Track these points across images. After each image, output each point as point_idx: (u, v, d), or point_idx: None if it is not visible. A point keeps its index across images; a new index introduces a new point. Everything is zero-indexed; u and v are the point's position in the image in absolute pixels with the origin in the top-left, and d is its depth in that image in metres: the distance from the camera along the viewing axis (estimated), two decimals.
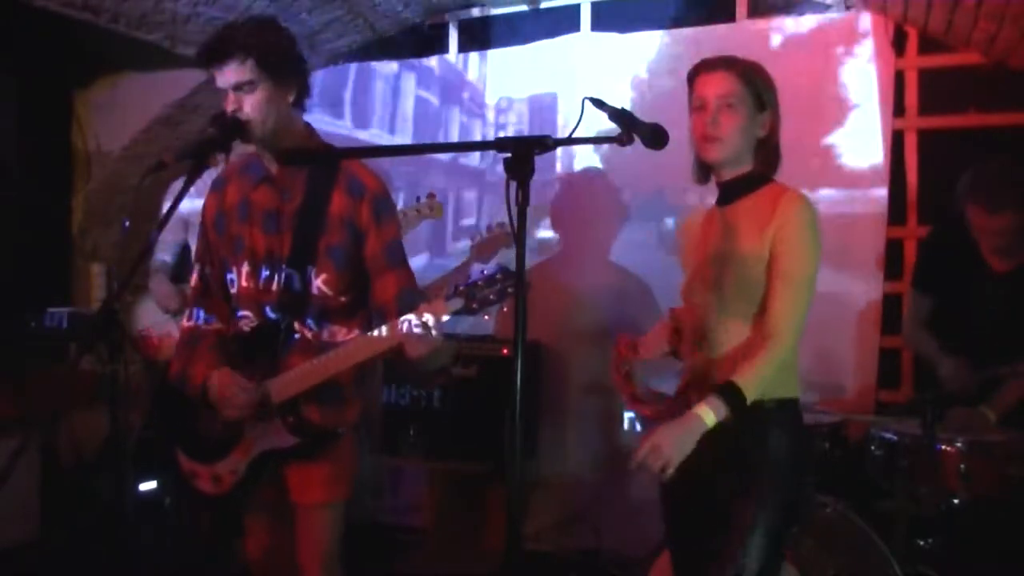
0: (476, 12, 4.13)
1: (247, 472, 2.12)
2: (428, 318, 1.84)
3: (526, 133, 4.08)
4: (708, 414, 1.79)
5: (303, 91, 2.13)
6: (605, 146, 3.70)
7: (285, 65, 2.06)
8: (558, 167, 3.93)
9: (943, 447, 2.52)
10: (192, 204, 2.71)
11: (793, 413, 1.96)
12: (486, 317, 1.85)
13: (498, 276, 1.82)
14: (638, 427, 3.75)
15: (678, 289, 2.15)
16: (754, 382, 1.83)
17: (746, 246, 1.92)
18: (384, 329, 1.93)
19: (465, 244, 3.65)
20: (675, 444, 1.78)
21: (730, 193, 2.00)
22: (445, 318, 1.85)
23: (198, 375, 2.12)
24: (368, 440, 3.54)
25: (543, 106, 4.08)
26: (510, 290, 1.80)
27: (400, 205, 3.31)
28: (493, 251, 3.44)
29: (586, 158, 3.87)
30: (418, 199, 3.35)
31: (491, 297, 1.81)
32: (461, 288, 1.82)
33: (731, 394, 1.81)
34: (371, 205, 2.10)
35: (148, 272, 3.44)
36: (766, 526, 1.85)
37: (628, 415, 3.75)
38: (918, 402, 2.54)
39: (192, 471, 2.19)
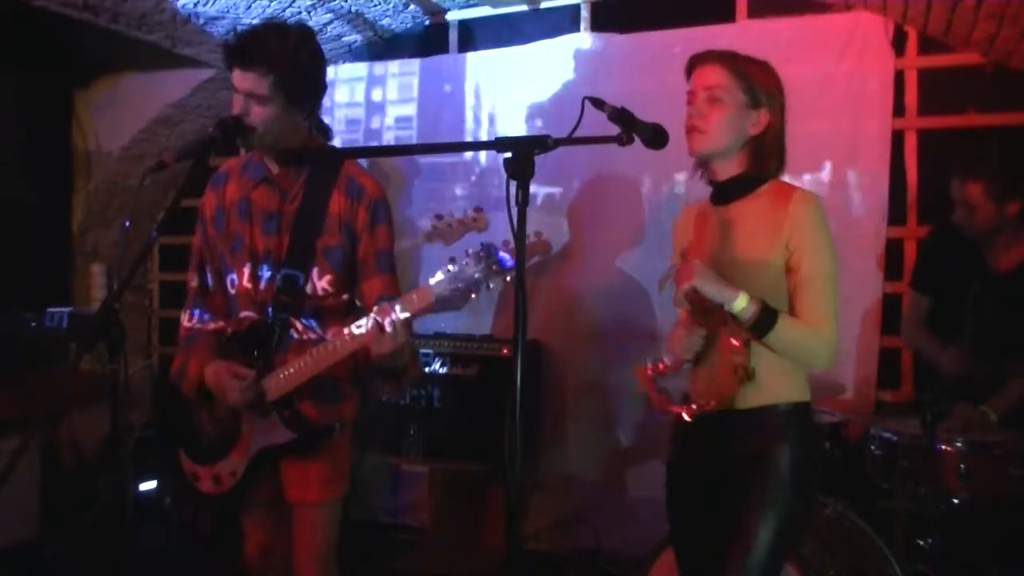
0: (476, 12, 4.13)
1: (246, 471, 2.13)
2: (398, 316, 1.86)
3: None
4: (743, 296, 1.80)
5: (315, 109, 2.15)
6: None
7: (305, 88, 2.07)
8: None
9: (943, 447, 2.52)
10: None
11: (805, 417, 1.94)
12: (473, 296, 1.83)
13: (481, 254, 1.80)
14: (638, 427, 3.76)
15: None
16: (790, 325, 1.83)
17: (752, 251, 1.90)
18: (368, 322, 1.94)
19: None
20: (706, 275, 1.82)
21: (725, 194, 1.99)
22: (434, 299, 1.85)
23: (193, 372, 2.14)
24: (368, 439, 3.55)
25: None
26: (494, 267, 1.79)
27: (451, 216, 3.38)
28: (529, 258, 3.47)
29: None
30: (465, 212, 3.39)
31: (475, 276, 1.79)
32: (446, 270, 1.82)
33: (769, 308, 1.81)
34: (368, 209, 2.12)
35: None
36: (772, 531, 1.84)
37: (627, 415, 3.75)
38: (918, 402, 2.54)
39: (193, 473, 2.20)
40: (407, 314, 1.89)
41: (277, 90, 2.00)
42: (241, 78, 2.01)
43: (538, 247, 3.62)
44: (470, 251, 1.82)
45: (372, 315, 1.91)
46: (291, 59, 2.01)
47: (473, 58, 4.13)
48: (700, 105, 1.92)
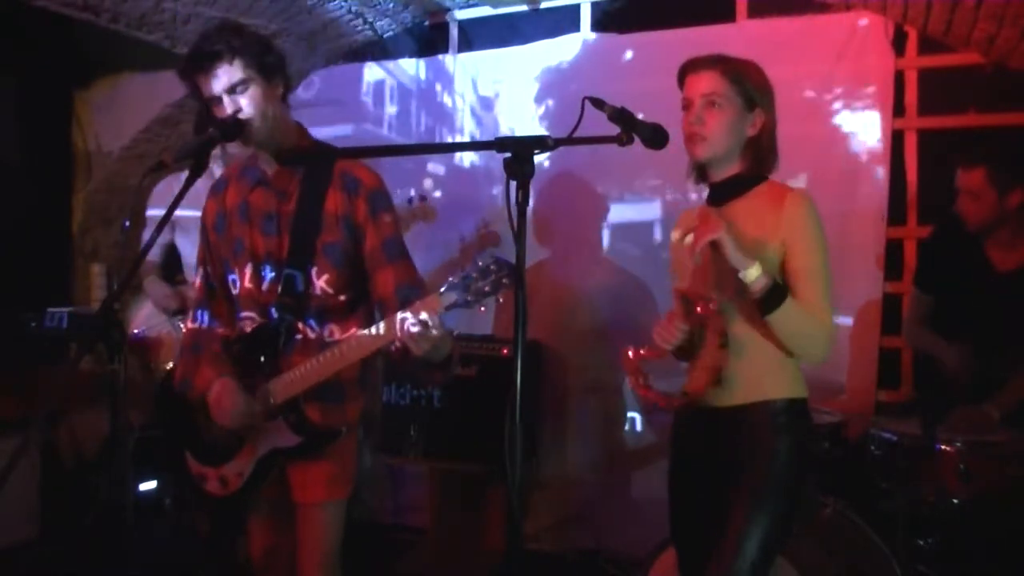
0: (476, 12, 4.13)
1: (253, 473, 2.13)
2: (424, 315, 1.83)
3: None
4: (758, 267, 1.83)
5: (287, 87, 2.15)
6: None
7: (270, 61, 2.06)
8: None
9: (943, 447, 2.52)
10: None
11: (800, 414, 1.96)
12: (482, 309, 1.81)
13: (492, 267, 1.78)
14: (638, 427, 3.77)
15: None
16: (797, 308, 1.85)
17: (749, 248, 1.91)
18: (381, 326, 1.93)
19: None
20: (729, 236, 1.84)
21: (722, 194, 2.01)
22: (442, 310, 1.82)
23: (202, 381, 2.13)
24: (369, 439, 3.55)
25: None
26: (505, 280, 1.77)
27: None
28: (481, 251, 3.51)
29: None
30: (410, 201, 3.37)
31: (486, 289, 1.78)
32: (455, 281, 1.80)
33: (780, 285, 1.84)
34: (367, 200, 2.10)
35: (139, 275, 3.41)
36: (763, 525, 1.86)
37: (628, 415, 3.76)
38: (919, 402, 2.54)
39: (200, 474, 2.20)
40: (424, 317, 1.84)
41: (250, 69, 2.01)
42: (214, 81, 2.01)
43: (487, 239, 3.65)
44: (480, 263, 1.80)
45: (403, 315, 1.86)
46: (240, 39, 2.01)
47: (473, 58, 4.13)
48: (699, 112, 1.94)
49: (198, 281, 2.28)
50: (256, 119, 2.02)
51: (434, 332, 1.85)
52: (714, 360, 1.92)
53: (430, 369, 2.02)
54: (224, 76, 2.00)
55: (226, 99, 2.01)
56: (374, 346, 1.96)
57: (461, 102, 4.14)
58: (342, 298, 2.14)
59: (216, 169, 3.05)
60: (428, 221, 3.38)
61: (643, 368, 2.05)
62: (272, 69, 2.06)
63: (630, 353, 2.05)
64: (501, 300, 1.81)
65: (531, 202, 3.83)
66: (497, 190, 3.95)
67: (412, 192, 3.58)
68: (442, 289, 1.81)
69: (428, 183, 4.13)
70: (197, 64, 2.01)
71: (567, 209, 3.83)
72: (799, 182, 3.35)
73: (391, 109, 4.27)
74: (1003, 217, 2.77)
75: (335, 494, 2.16)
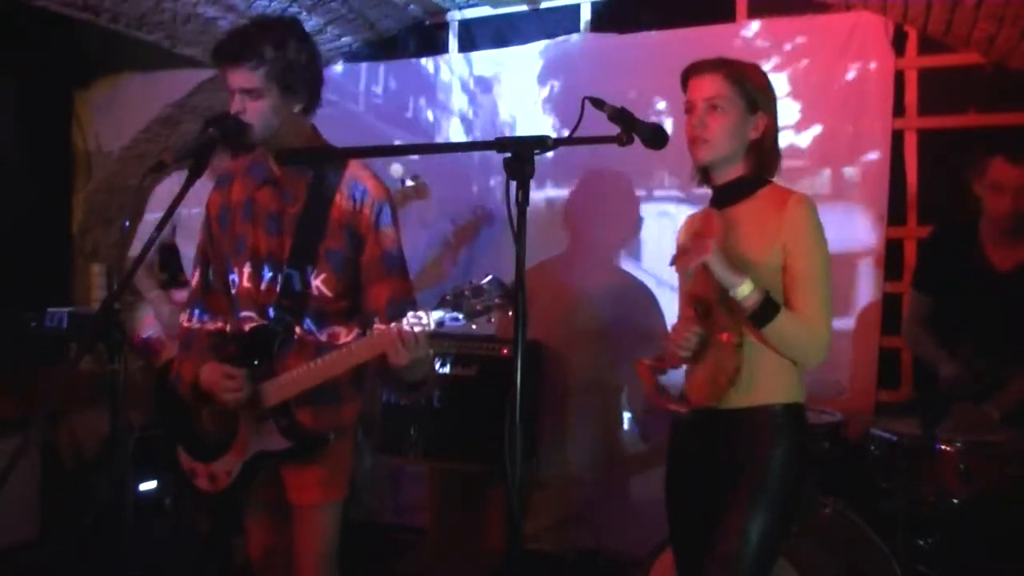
0: (476, 12, 4.13)
1: (241, 472, 2.12)
2: (416, 327, 1.84)
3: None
4: (748, 283, 1.83)
5: (313, 100, 2.12)
6: None
7: (297, 77, 2.04)
8: None
9: (943, 447, 2.52)
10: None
11: (798, 418, 1.97)
12: (474, 327, 1.82)
13: (486, 287, 1.79)
14: (638, 427, 3.77)
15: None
16: (789, 319, 1.86)
17: (750, 251, 1.92)
18: (376, 335, 1.93)
19: None
20: (719, 256, 1.85)
21: (726, 197, 2.01)
22: (432, 325, 1.83)
23: (187, 375, 2.13)
24: (368, 440, 3.55)
25: None
26: (498, 301, 1.78)
27: None
28: (474, 233, 3.56)
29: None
30: (402, 182, 3.38)
31: (478, 308, 1.79)
32: (448, 299, 1.81)
33: (771, 300, 1.84)
34: (372, 211, 2.09)
35: (140, 280, 3.37)
36: (761, 525, 1.87)
37: (628, 415, 3.76)
38: (919, 402, 2.54)
39: (191, 469, 2.20)
40: (421, 329, 1.86)
41: (269, 82, 1.99)
42: (233, 77, 2.00)
43: (482, 220, 3.67)
44: (474, 281, 1.81)
45: (392, 326, 1.88)
46: (278, 49, 2.00)
47: (473, 57, 4.13)
48: (701, 115, 1.95)
49: (196, 275, 2.26)
50: (257, 126, 2.02)
51: (419, 350, 1.86)
52: (730, 362, 1.91)
53: (400, 385, 2.03)
54: (241, 78, 1.99)
55: (237, 96, 2.01)
56: (368, 355, 1.96)
57: (461, 101, 4.14)
58: (341, 303, 2.13)
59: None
60: (422, 199, 3.39)
61: (658, 375, 2.06)
62: (296, 86, 2.04)
63: (647, 365, 2.06)
64: (493, 320, 1.82)
65: (574, 185, 3.81)
66: (494, 180, 3.96)
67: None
68: (434, 307, 1.83)
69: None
70: (225, 54, 2.01)
71: (591, 208, 3.82)
72: (798, 182, 3.36)
73: (391, 108, 4.27)
74: None
75: (330, 496, 2.15)
